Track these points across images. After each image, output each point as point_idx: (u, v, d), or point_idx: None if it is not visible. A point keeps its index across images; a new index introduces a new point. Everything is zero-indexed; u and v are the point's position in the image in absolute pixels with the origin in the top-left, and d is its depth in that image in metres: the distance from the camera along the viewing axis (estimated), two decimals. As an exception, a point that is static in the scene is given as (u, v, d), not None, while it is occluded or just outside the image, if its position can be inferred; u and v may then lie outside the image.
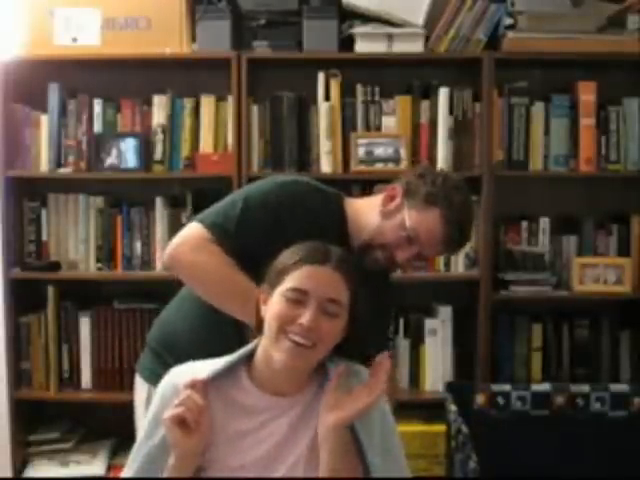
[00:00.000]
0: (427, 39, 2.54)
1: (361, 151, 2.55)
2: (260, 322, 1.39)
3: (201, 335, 1.67)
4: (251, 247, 1.58)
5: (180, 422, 1.29)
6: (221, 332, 1.60)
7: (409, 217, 1.62)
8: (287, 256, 1.38)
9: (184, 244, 1.62)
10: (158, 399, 1.40)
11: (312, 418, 1.36)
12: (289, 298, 1.33)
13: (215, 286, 1.61)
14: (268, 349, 1.36)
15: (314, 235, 1.55)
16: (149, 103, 2.62)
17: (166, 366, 1.52)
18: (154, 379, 1.57)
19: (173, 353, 1.68)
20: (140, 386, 1.78)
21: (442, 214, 1.61)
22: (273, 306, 1.35)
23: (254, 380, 1.39)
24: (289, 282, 1.34)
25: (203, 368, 1.39)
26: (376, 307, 1.71)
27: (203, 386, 1.34)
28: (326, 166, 2.55)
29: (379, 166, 2.55)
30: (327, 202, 1.71)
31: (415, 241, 1.63)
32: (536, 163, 2.60)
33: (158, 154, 2.59)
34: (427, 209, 1.62)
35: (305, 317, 1.31)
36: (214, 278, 1.60)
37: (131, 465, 1.39)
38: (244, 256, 1.58)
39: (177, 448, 1.31)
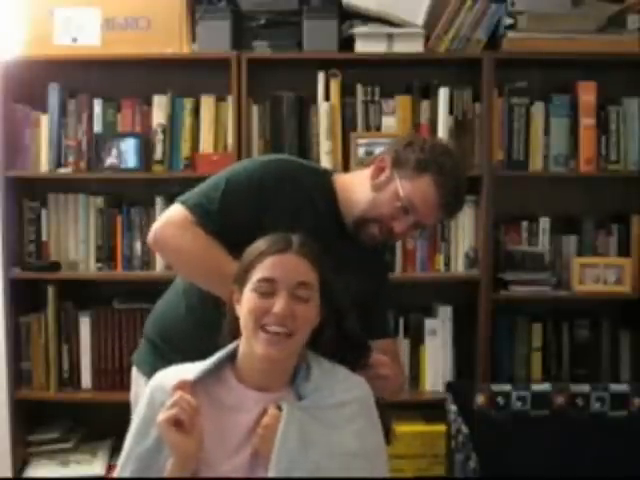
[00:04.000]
0: (427, 39, 2.54)
1: (361, 151, 2.55)
2: (236, 322, 1.39)
3: (197, 327, 1.67)
4: (235, 228, 1.57)
5: (176, 423, 1.28)
6: (215, 323, 1.57)
7: (402, 187, 1.60)
8: (249, 253, 1.40)
9: (167, 226, 1.62)
10: (146, 403, 1.39)
11: None
12: (259, 291, 1.34)
13: (198, 268, 1.62)
14: (248, 346, 1.36)
15: (304, 212, 1.56)
16: (149, 103, 2.62)
17: (165, 360, 1.52)
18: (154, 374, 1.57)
19: (172, 346, 1.68)
20: (140, 381, 1.76)
21: (435, 180, 1.58)
22: (245, 303, 1.36)
23: (240, 378, 1.39)
24: (256, 275, 1.35)
25: (189, 369, 1.39)
26: (372, 292, 1.70)
27: (191, 387, 1.33)
28: (326, 166, 2.55)
29: (379, 166, 2.54)
30: (315, 177, 1.70)
31: (411, 210, 1.60)
32: (536, 163, 2.60)
33: (158, 154, 2.59)
34: (419, 176, 1.59)
35: (278, 305, 1.32)
36: (197, 260, 1.60)
37: (122, 472, 1.37)
38: (229, 237, 1.57)
39: (176, 451, 1.30)
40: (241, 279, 1.38)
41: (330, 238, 1.56)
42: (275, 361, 1.35)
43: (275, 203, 1.59)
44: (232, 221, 1.59)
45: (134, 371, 1.82)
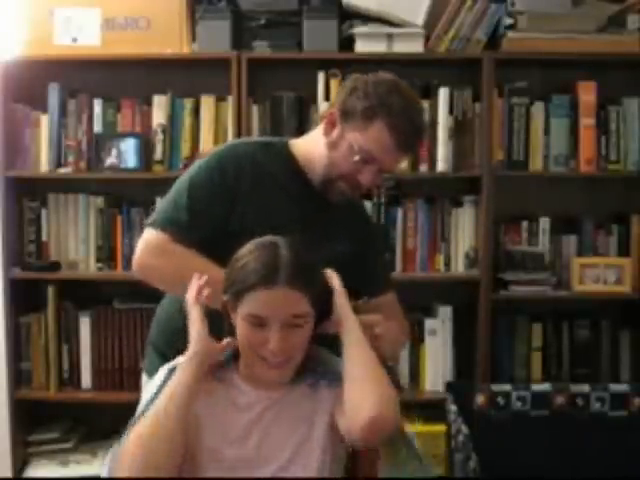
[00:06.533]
0: (427, 39, 2.54)
1: (361, 151, 2.54)
2: (232, 328, 1.39)
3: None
4: (211, 227, 1.56)
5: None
6: (211, 331, 1.55)
7: (355, 140, 1.54)
8: (236, 273, 1.34)
9: (143, 252, 1.60)
10: (155, 385, 1.42)
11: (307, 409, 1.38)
12: (251, 323, 1.32)
13: (181, 286, 1.55)
14: (248, 364, 1.38)
15: (269, 188, 1.57)
16: (149, 103, 2.62)
17: None
18: None
19: (177, 351, 1.68)
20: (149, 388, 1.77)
21: (386, 123, 1.51)
22: (239, 328, 1.35)
23: (244, 378, 1.40)
24: (246, 307, 1.32)
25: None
26: (358, 252, 1.68)
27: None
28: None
29: (379, 166, 2.54)
30: (271, 150, 1.66)
31: (371, 160, 1.55)
32: (536, 163, 2.60)
33: (158, 154, 2.59)
34: (369, 125, 1.52)
35: (272, 343, 1.31)
36: (177, 279, 1.53)
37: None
38: (211, 237, 1.56)
39: (197, 344, 1.35)
40: (233, 296, 1.35)
41: (304, 208, 1.55)
42: (279, 382, 1.37)
43: (240, 188, 1.58)
44: (207, 221, 1.57)
45: (144, 379, 1.79)
